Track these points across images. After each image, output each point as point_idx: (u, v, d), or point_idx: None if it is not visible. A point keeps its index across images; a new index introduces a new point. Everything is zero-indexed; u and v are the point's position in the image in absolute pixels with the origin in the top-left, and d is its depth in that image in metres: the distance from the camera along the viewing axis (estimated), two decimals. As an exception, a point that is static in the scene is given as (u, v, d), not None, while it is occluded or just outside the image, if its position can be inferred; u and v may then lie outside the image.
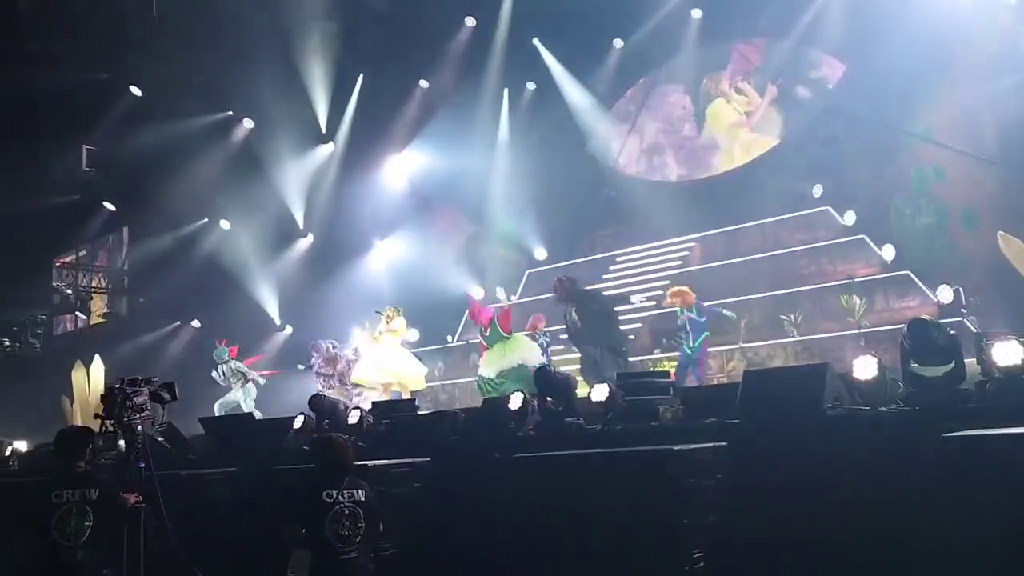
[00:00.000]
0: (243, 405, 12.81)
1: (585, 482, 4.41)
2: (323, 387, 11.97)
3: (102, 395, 5.10)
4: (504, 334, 10.45)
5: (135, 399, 4.92)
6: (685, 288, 10.83)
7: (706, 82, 16.42)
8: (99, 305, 18.62)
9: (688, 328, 10.34)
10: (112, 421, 4.91)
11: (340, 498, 4.74)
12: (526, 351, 10.26)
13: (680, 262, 14.99)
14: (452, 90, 17.60)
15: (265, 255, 17.61)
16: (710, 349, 12.11)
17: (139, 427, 4.92)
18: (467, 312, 10.91)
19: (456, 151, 17.58)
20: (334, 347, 12.37)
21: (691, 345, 10.33)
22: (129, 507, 4.69)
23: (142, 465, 4.86)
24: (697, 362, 10.44)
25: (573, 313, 9.58)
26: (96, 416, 5.05)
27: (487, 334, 10.65)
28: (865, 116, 13.87)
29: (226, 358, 13.04)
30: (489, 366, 10.47)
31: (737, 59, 16.17)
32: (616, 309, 10.10)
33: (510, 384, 9.74)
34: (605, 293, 9.72)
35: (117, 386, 4.99)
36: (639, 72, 17.26)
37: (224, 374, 13.01)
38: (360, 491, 4.83)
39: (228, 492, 6.48)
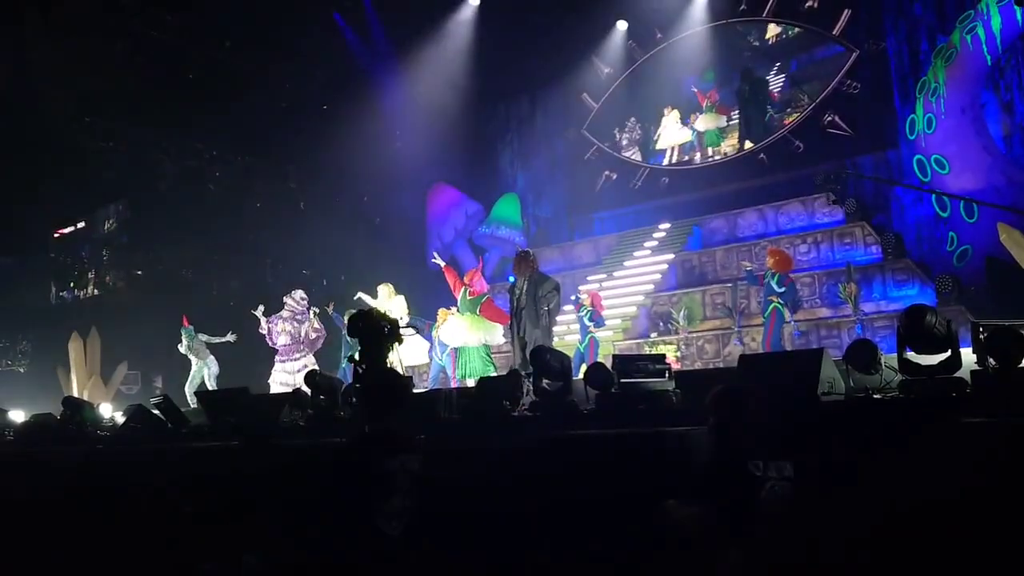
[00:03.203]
0: (207, 381, 12.91)
1: (578, 463, 4.43)
2: (280, 334, 12.10)
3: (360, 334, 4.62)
4: (470, 300, 10.26)
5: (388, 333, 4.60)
6: (783, 252, 10.63)
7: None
8: (96, 276, 18.60)
9: (764, 294, 10.18)
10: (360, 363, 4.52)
11: None
12: (488, 332, 10.15)
13: (679, 246, 15.00)
14: (454, 69, 17.51)
15: (261, 225, 17.61)
16: (711, 332, 12.15)
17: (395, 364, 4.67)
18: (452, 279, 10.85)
19: (458, 131, 17.53)
20: (304, 299, 12.51)
21: (764, 315, 10.18)
22: None
23: None
24: (767, 332, 10.16)
25: (521, 289, 9.39)
26: (351, 359, 4.65)
27: (459, 301, 10.43)
28: (870, 103, 13.89)
29: (193, 333, 13.21)
30: (454, 334, 10.36)
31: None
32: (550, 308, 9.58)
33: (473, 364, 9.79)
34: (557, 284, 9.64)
35: (368, 321, 4.65)
36: (641, 54, 17.18)
37: (190, 347, 13.16)
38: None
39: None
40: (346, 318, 12.86)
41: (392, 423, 3.85)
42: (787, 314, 10.16)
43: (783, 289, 9.97)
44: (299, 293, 12.62)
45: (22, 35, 14.47)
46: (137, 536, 5.20)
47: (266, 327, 12.33)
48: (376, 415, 3.87)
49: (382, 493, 3.43)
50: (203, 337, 13.24)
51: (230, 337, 13.27)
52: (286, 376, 12.00)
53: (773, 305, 9.99)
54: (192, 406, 11.44)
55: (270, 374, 12.32)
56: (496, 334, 10.19)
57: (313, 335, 12.39)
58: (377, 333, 4.84)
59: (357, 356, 4.85)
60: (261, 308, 12.46)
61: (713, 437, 3.50)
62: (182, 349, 13.21)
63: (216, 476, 6.22)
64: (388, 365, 5.05)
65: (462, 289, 10.42)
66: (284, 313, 12.33)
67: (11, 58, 14.53)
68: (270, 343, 12.35)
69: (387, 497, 3.43)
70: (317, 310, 12.79)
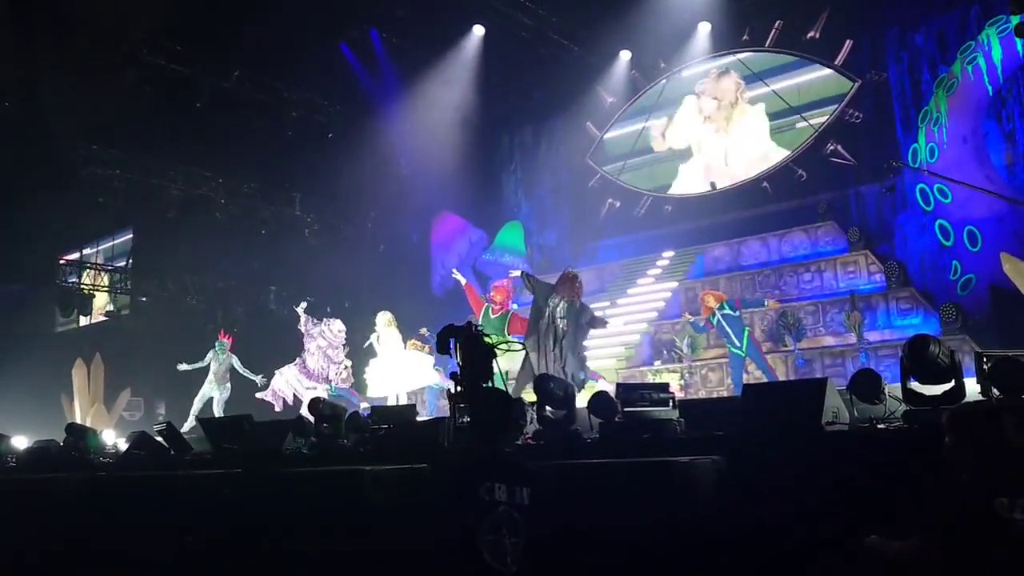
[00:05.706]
0: (215, 406, 12.83)
1: (582, 492, 4.40)
2: (311, 356, 12.02)
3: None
4: (495, 318, 9.95)
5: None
6: (711, 291, 11.07)
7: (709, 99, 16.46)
8: (101, 303, 18.65)
9: (727, 327, 10.20)
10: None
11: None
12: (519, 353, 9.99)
13: (683, 274, 15.02)
14: (459, 98, 17.63)
15: (266, 251, 17.65)
16: (714, 360, 12.11)
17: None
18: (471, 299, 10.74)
19: (463, 159, 17.62)
20: (342, 332, 12.42)
21: (738, 345, 10.19)
22: None
23: None
24: (759, 356, 10.34)
25: (562, 312, 9.10)
26: (453, 376, 4.60)
27: (482, 319, 10.03)
28: (872, 132, 13.97)
29: (227, 349, 13.15)
30: None
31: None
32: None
33: None
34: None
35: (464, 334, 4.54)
36: (644, 83, 17.29)
37: (218, 363, 13.08)
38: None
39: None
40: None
41: (501, 448, 3.59)
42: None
43: (738, 313, 10.29)
44: (337, 325, 12.48)
45: (31, 62, 14.62)
46: (139, 566, 5.17)
47: (304, 327, 12.26)
48: (486, 439, 3.58)
49: (492, 527, 3.16)
50: (235, 361, 13.12)
51: (258, 380, 13.10)
52: (288, 383, 11.95)
53: (746, 329, 10.35)
54: (192, 424, 11.41)
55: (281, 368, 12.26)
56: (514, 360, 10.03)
57: (339, 383, 12.34)
58: (480, 348, 4.72)
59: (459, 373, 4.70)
60: (303, 305, 12.40)
61: (955, 469, 2.81)
62: (210, 358, 13.07)
63: (217, 504, 6.20)
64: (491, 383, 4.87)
65: (484, 307, 10.19)
66: (321, 341, 12.23)
67: (19, 85, 14.68)
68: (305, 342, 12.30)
69: (496, 532, 3.17)
70: (350, 363, 12.65)
